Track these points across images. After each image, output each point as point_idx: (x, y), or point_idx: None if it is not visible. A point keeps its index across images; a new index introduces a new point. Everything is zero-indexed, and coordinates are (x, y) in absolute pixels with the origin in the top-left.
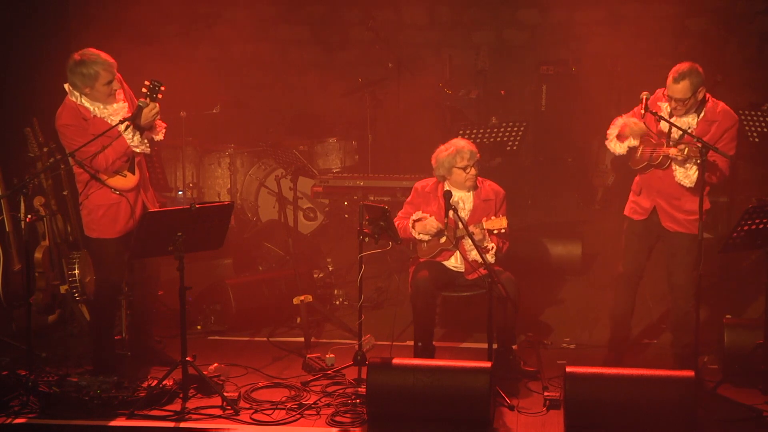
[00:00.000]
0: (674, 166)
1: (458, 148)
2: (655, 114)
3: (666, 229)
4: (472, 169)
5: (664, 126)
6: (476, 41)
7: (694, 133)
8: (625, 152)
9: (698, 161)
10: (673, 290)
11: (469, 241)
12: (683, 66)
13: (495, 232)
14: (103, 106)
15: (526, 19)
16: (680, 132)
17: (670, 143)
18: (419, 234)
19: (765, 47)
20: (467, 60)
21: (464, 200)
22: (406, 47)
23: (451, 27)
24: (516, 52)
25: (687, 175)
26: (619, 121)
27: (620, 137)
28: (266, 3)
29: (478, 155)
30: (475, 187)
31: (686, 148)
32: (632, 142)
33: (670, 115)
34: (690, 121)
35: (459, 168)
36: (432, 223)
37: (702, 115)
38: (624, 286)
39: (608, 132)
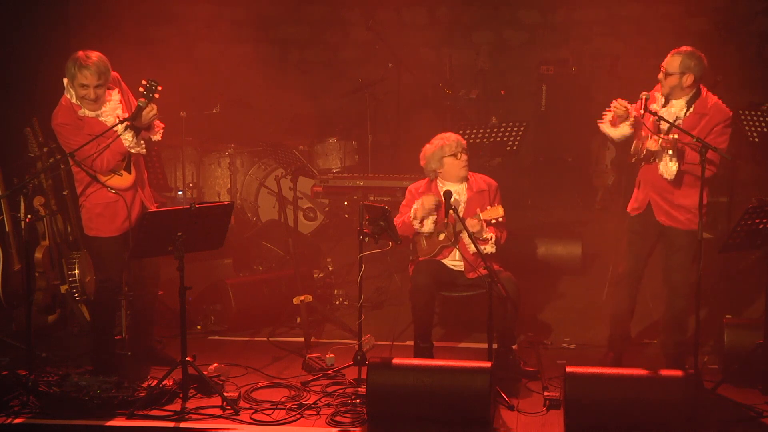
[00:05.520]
0: (657, 160)
1: (444, 139)
2: (654, 114)
3: (662, 224)
4: (463, 154)
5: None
6: (476, 41)
7: (682, 126)
8: (617, 138)
9: (671, 152)
10: (669, 289)
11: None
12: (687, 47)
13: (492, 221)
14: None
15: (526, 19)
16: (668, 125)
17: (660, 135)
18: (423, 220)
19: (765, 47)
20: (467, 60)
21: (458, 193)
22: (406, 47)
23: (451, 27)
24: (516, 52)
25: (666, 168)
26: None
27: (614, 122)
28: (266, 3)
29: (464, 142)
30: (466, 179)
31: (660, 139)
32: (625, 129)
33: (665, 103)
34: (679, 113)
35: (449, 156)
36: (429, 199)
37: (692, 108)
38: (625, 285)
39: (603, 115)
